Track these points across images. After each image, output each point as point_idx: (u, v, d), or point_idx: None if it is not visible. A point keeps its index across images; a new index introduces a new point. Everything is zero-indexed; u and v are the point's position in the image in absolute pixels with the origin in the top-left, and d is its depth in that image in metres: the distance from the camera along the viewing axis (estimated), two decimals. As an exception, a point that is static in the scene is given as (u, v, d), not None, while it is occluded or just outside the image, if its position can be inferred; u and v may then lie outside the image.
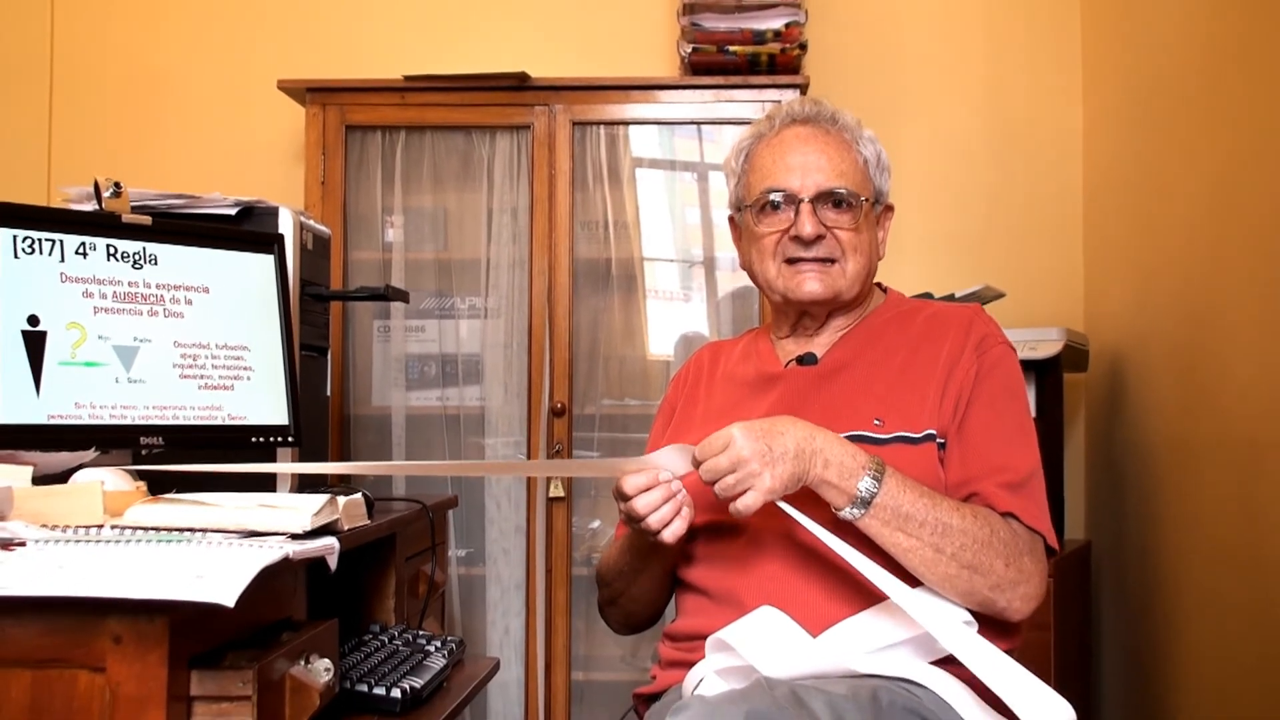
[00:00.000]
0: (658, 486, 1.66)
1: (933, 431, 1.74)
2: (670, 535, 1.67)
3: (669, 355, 3.42)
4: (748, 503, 1.58)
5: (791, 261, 1.85)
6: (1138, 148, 3.14)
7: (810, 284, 1.84)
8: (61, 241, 1.80)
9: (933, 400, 1.76)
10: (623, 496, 1.68)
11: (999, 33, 3.66)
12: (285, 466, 2.15)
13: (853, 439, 1.72)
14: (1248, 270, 2.43)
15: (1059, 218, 3.60)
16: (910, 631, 1.64)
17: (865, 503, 1.62)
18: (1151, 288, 3.01)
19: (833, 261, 1.84)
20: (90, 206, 1.99)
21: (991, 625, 1.69)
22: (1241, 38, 2.49)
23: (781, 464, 1.59)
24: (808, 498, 1.64)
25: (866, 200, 1.86)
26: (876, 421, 1.76)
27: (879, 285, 1.98)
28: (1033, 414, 1.86)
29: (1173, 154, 2.87)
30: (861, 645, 1.64)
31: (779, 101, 3.20)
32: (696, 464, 1.63)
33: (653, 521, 1.66)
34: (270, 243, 2.10)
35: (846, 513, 1.63)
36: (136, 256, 1.89)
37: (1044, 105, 3.63)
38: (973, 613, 1.68)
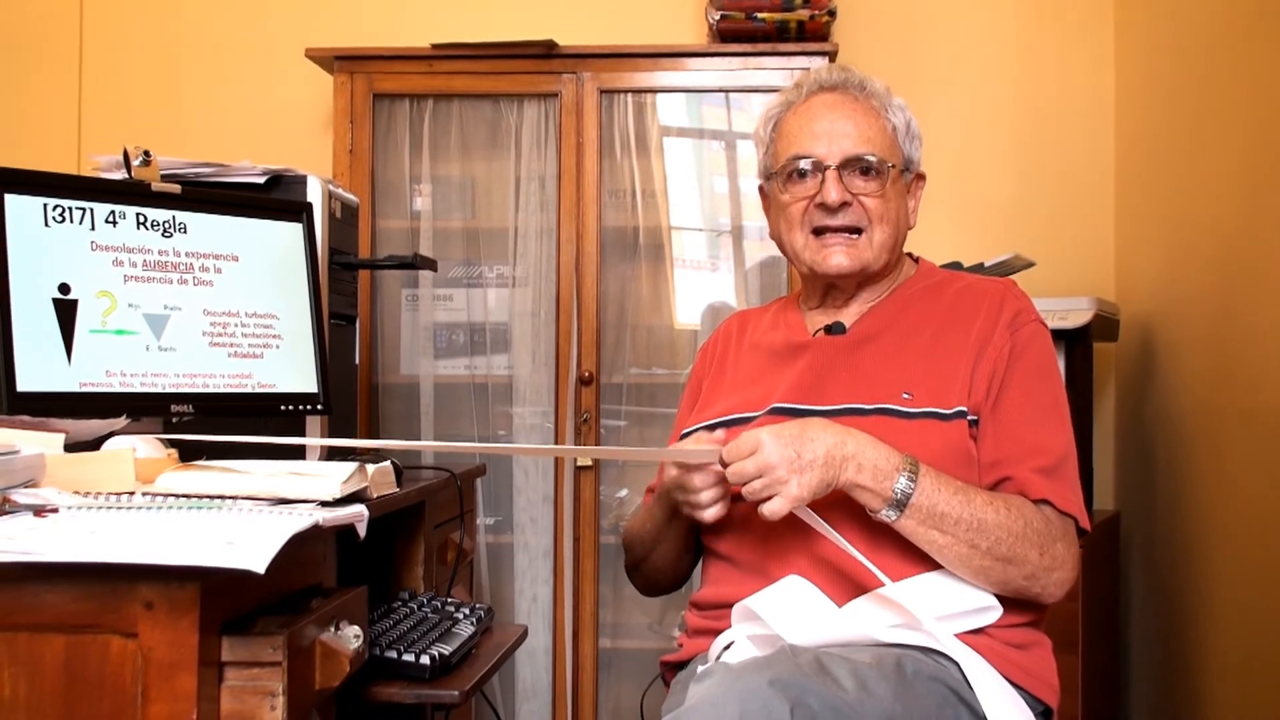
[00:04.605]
0: (709, 471, 1.68)
1: (963, 409, 1.73)
2: (711, 516, 1.70)
3: (696, 325, 3.42)
4: (774, 508, 1.58)
5: (819, 233, 1.84)
6: (1170, 115, 3.10)
7: (837, 257, 1.83)
8: (92, 210, 1.81)
9: (963, 377, 1.75)
10: (688, 488, 1.70)
11: (1031, -1, 3.62)
12: (320, 440, 2.15)
13: (881, 413, 1.72)
14: (1282, 239, 2.41)
15: (1090, 186, 3.57)
16: (937, 606, 1.65)
17: (900, 504, 1.61)
18: (1183, 257, 2.98)
19: (859, 231, 1.83)
20: (120, 175, 2.00)
21: (1019, 600, 1.70)
22: (1275, 3, 2.45)
23: (810, 471, 1.58)
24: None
25: (894, 167, 1.84)
26: (905, 395, 1.74)
27: (910, 255, 1.97)
28: (1063, 386, 1.84)
29: (1205, 122, 2.84)
30: (887, 617, 1.64)
31: (808, 69, 3.17)
32: (724, 464, 1.62)
33: (706, 512, 1.70)
34: (299, 211, 2.11)
35: (882, 515, 1.63)
36: (166, 225, 1.90)
37: (1076, 72, 3.59)
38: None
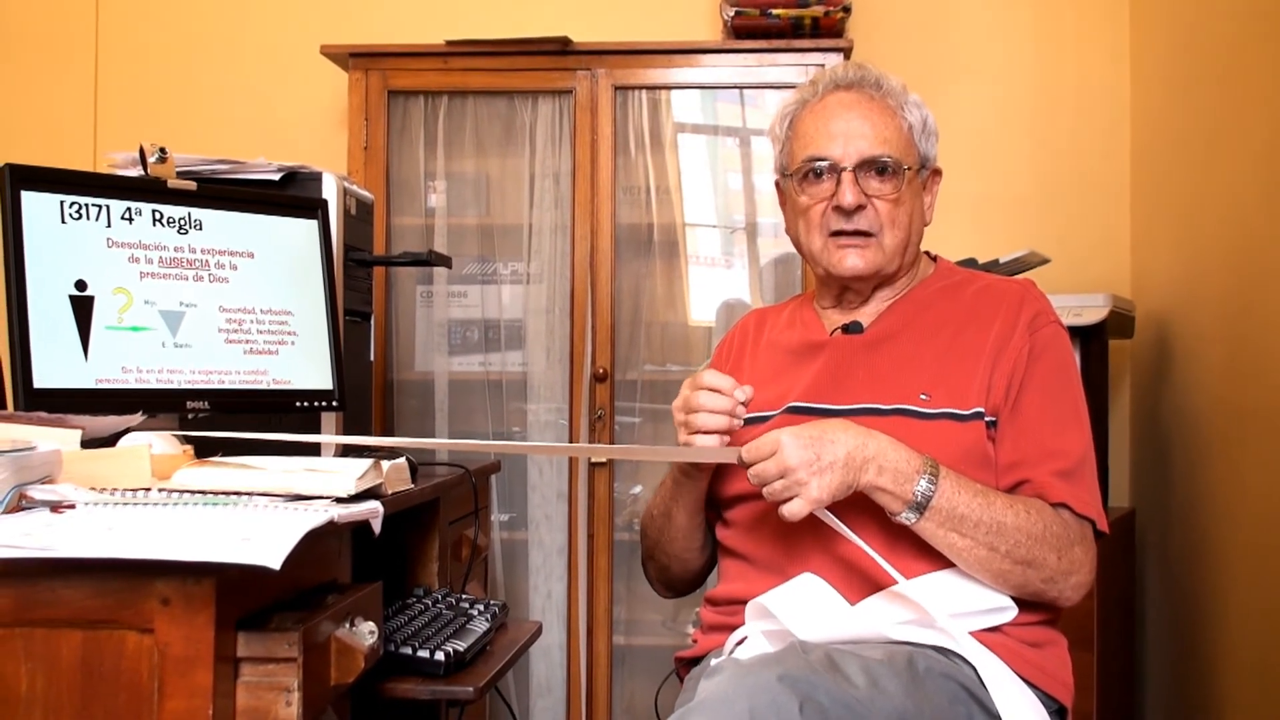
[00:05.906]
0: (728, 398, 1.70)
1: (981, 410, 1.73)
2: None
3: (711, 321, 3.42)
4: (793, 509, 1.58)
5: (835, 234, 1.83)
6: (1186, 110, 3.09)
7: (851, 259, 1.82)
8: (108, 207, 1.82)
9: (982, 378, 1.74)
10: (694, 384, 1.72)
11: (1046, -6, 3.61)
12: (335, 437, 2.16)
13: (899, 414, 1.72)
14: (1299, 236, 2.39)
15: (1106, 182, 3.56)
16: (952, 604, 1.65)
17: (921, 507, 1.61)
18: (1199, 253, 2.97)
19: (871, 235, 1.82)
20: (136, 172, 2.01)
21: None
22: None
23: (830, 473, 1.58)
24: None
25: (910, 168, 1.83)
26: (923, 396, 1.74)
27: (929, 254, 1.96)
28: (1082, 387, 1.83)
29: (1222, 117, 2.83)
30: (900, 614, 1.64)
31: (822, 65, 3.18)
32: (744, 465, 1.62)
33: (698, 419, 1.70)
34: (314, 208, 2.11)
35: (902, 517, 1.62)
36: (182, 222, 1.91)
37: (1091, 67, 3.58)
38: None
